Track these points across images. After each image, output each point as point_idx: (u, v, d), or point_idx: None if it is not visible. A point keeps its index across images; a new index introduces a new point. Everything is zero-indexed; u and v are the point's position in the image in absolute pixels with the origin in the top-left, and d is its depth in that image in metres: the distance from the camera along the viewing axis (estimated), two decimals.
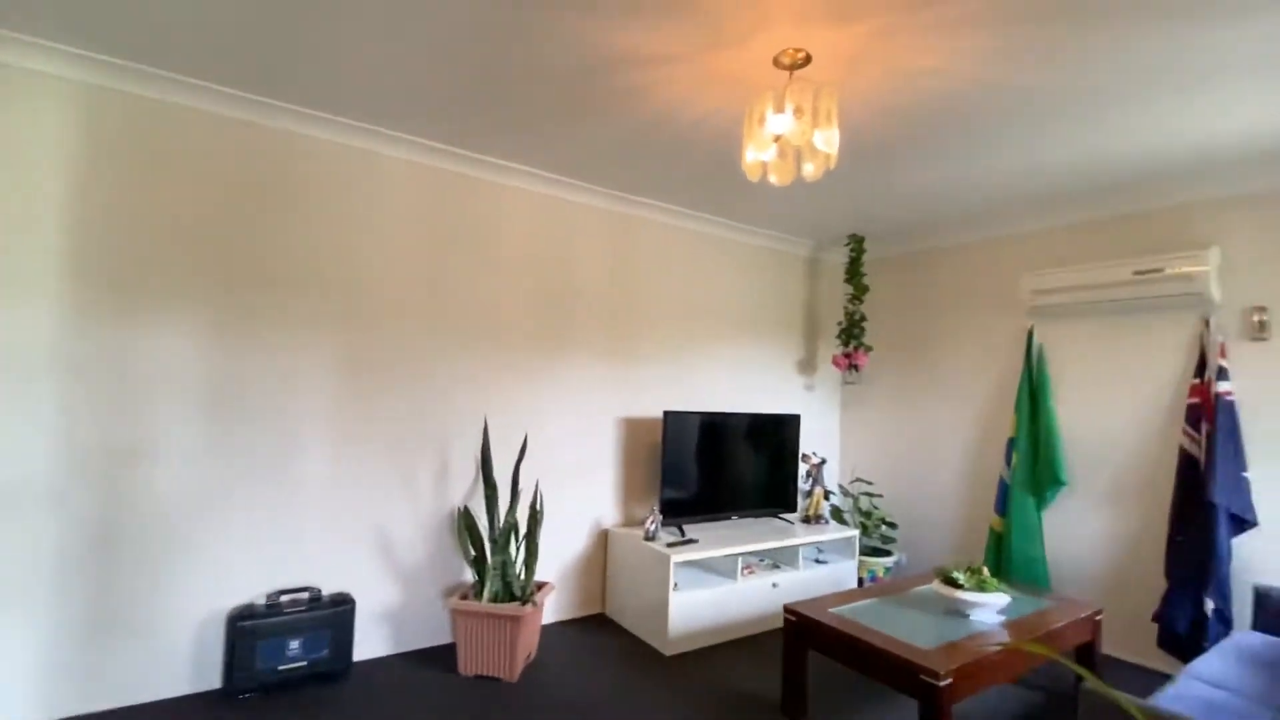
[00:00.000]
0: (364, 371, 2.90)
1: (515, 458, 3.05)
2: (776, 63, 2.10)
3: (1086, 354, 3.53)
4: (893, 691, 2.64)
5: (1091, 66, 2.10)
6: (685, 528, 3.58)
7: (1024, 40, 1.96)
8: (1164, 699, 1.86)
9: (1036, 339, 3.71)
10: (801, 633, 2.53)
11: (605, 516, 3.67)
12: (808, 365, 4.72)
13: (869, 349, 4.32)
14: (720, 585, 3.29)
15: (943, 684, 2.02)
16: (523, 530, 3.02)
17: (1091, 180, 3.15)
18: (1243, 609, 2.85)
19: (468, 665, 2.76)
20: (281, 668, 2.55)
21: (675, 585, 3.13)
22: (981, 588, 2.56)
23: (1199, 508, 2.97)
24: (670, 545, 3.24)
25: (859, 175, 3.20)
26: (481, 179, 3.23)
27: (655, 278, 3.90)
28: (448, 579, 3.10)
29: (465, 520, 2.96)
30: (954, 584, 2.61)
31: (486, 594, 2.79)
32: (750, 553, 3.50)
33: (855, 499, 4.33)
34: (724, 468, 3.83)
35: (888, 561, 4.10)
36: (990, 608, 2.54)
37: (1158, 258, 3.14)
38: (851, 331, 4.33)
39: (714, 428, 3.79)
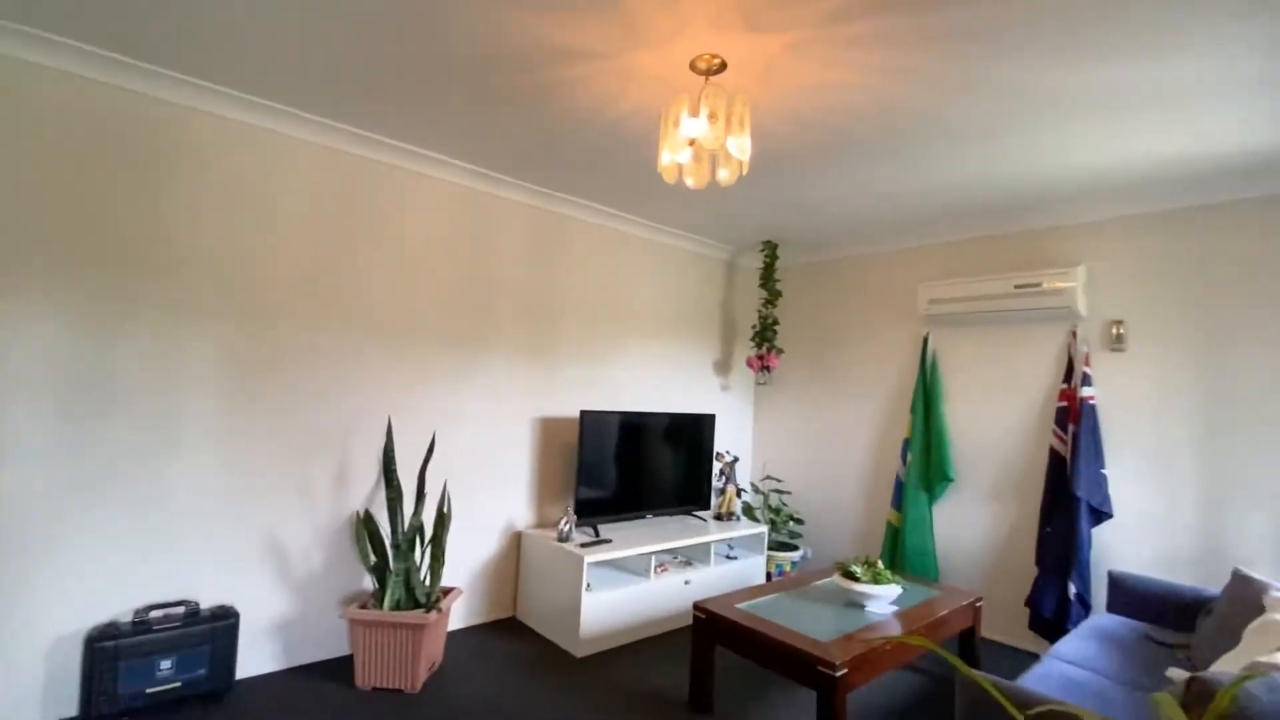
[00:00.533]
0: (255, 366, 2.68)
1: (422, 459, 2.92)
2: (693, 67, 2.12)
3: (973, 360, 3.81)
4: (794, 683, 2.73)
5: (986, 94, 2.26)
6: (600, 528, 3.56)
7: (926, 64, 2.08)
8: (1029, 679, 2.03)
9: (931, 346, 3.97)
10: (709, 629, 2.57)
11: (518, 518, 3.59)
12: (724, 366, 4.82)
13: (781, 351, 4.48)
14: (633, 584, 3.30)
15: (839, 674, 2.11)
16: (429, 534, 2.89)
17: (982, 200, 3.39)
18: (1100, 592, 3.17)
19: (366, 677, 2.62)
20: (150, 690, 2.32)
21: (588, 586, 3.11)
22: (877, 580, 2.70)
23: (1065, 501, 3.27)
24: (584, 546, 3.22)
25: (772, 183, 3.30)
26: (395, 166, 3.07)
27: (577, 276, 3.86)
28: (346, 587, 2.93)
29: (366, 525, 2.80)
30: (852, 577, 2.74)
31: (388, 602, 2.66)
32: (664, 551, 3.54)
33: (766, 496, 4.48)
34: (640, 467, 3.85)
35: (794, 556, 4.26)
36: (884, 599, 2.69)
37: (1035, 273, 3.44)
38: (765, 334, 4.46)
39: (631, 427, 3.80)
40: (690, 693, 2.60)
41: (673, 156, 2.10)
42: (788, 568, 4.23)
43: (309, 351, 2.82)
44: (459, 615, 3.32)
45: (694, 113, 1.97)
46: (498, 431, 3.48)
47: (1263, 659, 1.57)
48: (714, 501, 4.25)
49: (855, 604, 2.74)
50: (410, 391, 3.13)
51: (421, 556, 2.84)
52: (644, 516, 3.85)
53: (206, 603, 2.56)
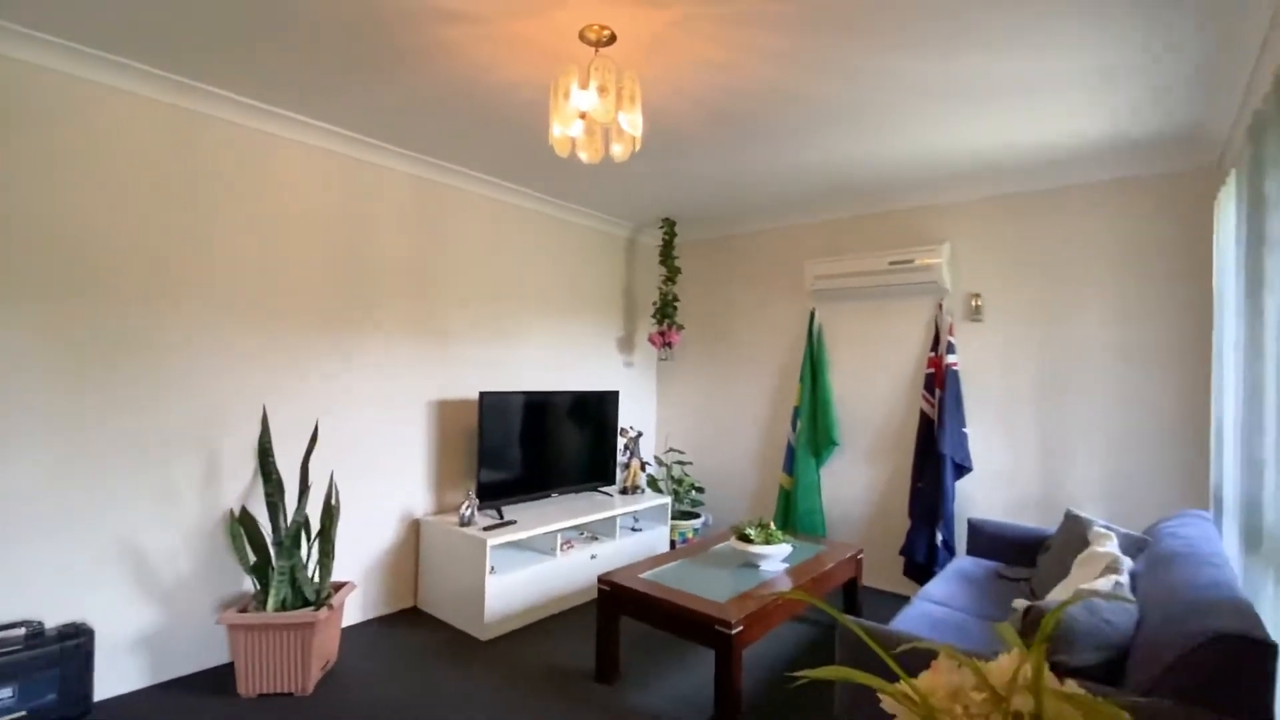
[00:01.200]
0: (94, 352, 2.38)
1: (305, 449, 2.73)
2: (582, 37, 2.08)
3: (854, 332, 4.08)
4: (696, 645, 2.86)
5: (860, 80, 2.38)
6: (505, 509, 3.51)
7: (804, 47, 2.16)
8: (900, 620, 2.24)
9: (817, 319, 4.20)
10: (614, 601, 2.63)
11: (417, 505, 3.46)
12: (627, 343, 4.86)
13: (681, 327, 4.57)
14: (540, 563, 3.30)
15: (734, 632, 2.23)
16: (315, 528, 2.73)
17: (861, 180, 3.61)
18: (963, 538, 3.54)
19: (249, 685, 2.45)
20: None
21: (492, 569, 3.07)
22: (769, 540, 2.86)
23: (933, 459, 3.61)
24: (487, 529, 3.16)
25: (667, 160, 3.33)
26: (259, 130, 2.79)
27: (472, 252, 3.72)
28: (224, 591, 2.71)
29: (242, 523, 2.59)
30: (746, 539, 2.88)
31: (272, 602, 2.49)
32: (569, 528, 3.55)
33: (669, 468, 4.60)
34: (545, 446, 3.82)
35: (696, 523, 4.42)
36: (776, 557, 2.86)
37: (907, 250, 3.72)
38: (665, 311, 4.54)
39: (534, 407, 3.75)
40: (597, 664, 2.65)
41: (564, 129, 2.06)
42: (690, 535, 4.38)
43: (159, 334, 2.54)
44: (355, 610, 3.17)
45: (584, 85, 1.94)
46: (390, 416, 3.32)
47: (1085, 586, 1.82)
48: (619, 476, 4.31)
49: (750, 564, 2.90)
50: (287, 377, 2.91)
51: (309, 552, 2.67)
52: (550, 495, 3.83)
53: (53, 621, 2.28)
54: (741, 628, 2.26)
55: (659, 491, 4.46)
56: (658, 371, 5.13)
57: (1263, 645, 1.32)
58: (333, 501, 2.71)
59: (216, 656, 2.68)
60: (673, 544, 4.26)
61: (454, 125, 2.92)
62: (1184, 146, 2.93)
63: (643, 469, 4.32)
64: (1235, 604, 1.47)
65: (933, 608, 2.38)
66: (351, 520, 3.13)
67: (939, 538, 3.56)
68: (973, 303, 3.63)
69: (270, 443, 2.60)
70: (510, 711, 2.39)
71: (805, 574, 2.81)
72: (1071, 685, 0.92)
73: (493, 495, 3.45)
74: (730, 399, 4.68)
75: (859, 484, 4.04)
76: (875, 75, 2.34)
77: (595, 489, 4.16)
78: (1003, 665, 0.93)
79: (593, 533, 3.84)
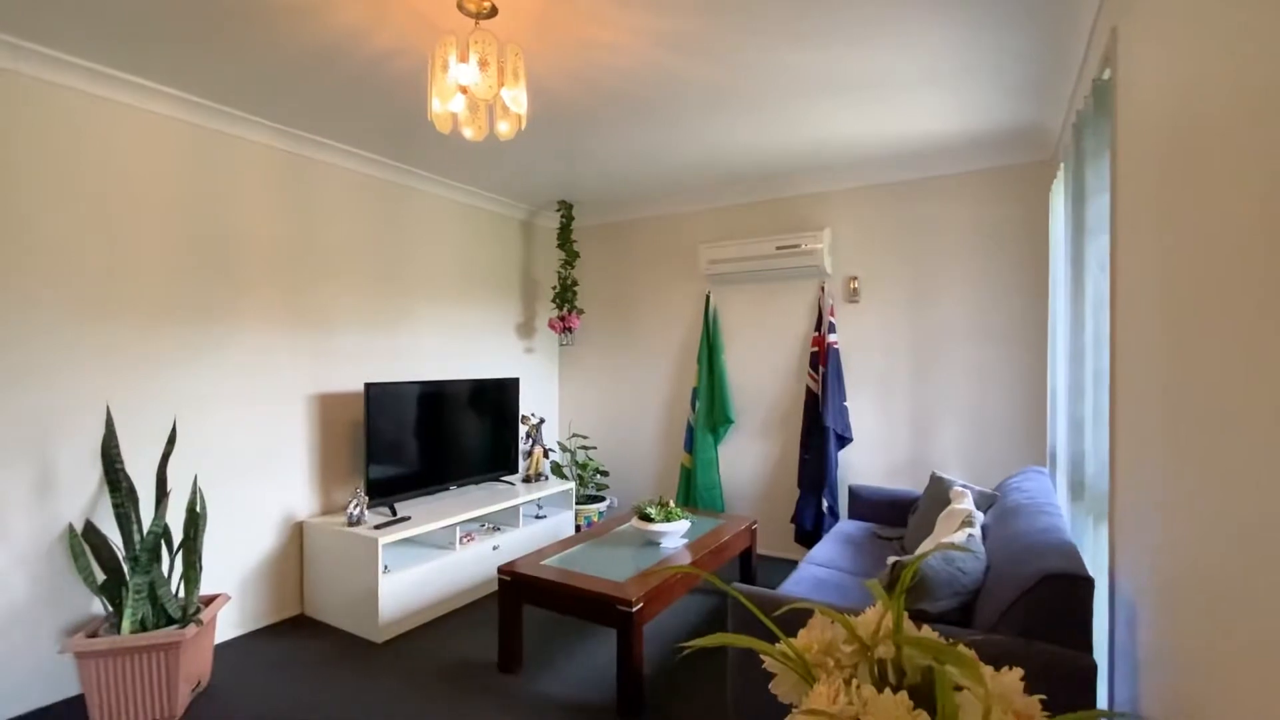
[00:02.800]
0: None
1: (161, 452, 2.46)
2: (461, 8, 1.98)
3: (746, 314, 4.25)
4: (599, 627, 2.90)
5: (744, 67, 2.45)
6: (397, 506, 3.36)
7: (692, 31, 2.18)
8: (787, 584, 2.38)
9: (712, 302, 4.33)
10: (515, 590, 2.60)
11: (299, 507, 3.23)
12: (527, 329, 4.77)
13: (581, 312, 4.55)
14: (438, 558, 3.19)
15: (634, 610, 2.27)
16: (178, 538, 2.48)
17: (748, 167, 3.73)
18: (845, 504, 3.81)
19: (105, 716, 2.20)
20: None
21: (385, 568, 2.94)
22: (669, 518, 2.94)
23: (818, 431, 3.84)
24: (378, 527, 3.01)
25: (559, 140, 3.27)
26: (84, 93, 2.44)
27: (353, 234, 3.47)
28: (68, 616, 2.40)
29: (87, 538, 2.30)
30: (647, 518, 2.94)
31: (127, 624, 2.24)
32: (468, 520, 3.46)
33: (573, 453, 4.59)
34: (440, 438, 3.68)
35: (601, 507, 4.46)
36: (675, 534, 2.95)
37: (793, 235, 3.90)
38: (565, 295, 4.50)
39: (427, 398, 3.60)
40: (500, 654, 2.62)
41: (444, 105, 1.97)
42: (595, 518, 4.41)
43: None
44: (231, 623, 2.92)
45: (463, 58, 1.85)
46: (264, 413, 3.06)
47: (945, 540, 2.01)
48: (522, 464, 4.25)
49: (651, 543, 2.97)
50: (135, 374, 2.60)
51: (171, 565, 2.42)
52: (447, 488, 3.71)
53: None
54: (641, 605, 2.31)
55: (563, 477, 4.45)
56: (559, 357, 5.08)
57: (1083, 580, 1.52)
58: (197, 508, 2.47)
59: (63, 689, 2.38)
60: (578, 529, 4.27)
61: (323, 95, 2.70)
62: (1026, 142, 3.27)
63: (546, 456, 4.28)
64: (1062, 546, 1.69)
65: (817, 570, 2.55)
66: (224, 527, 2.88)
67: (824, 504, 3.81)
68: (851, 285, 3.88)
69: (117, 447, 2.32)
70: (408, 712, 2.31)
71: (703, 548, 2.92)
72: (927, 631, 1.02)
73: (383, 492, 3.29)
74: (632, 382, 4.73)
75: (753, 458, 4.24)
76: (758, 63, 2.42)
77: (497, 479, 4.07)
78: (868, 618, 1.02)
79: (494, 523, 3.77)
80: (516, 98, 1.97)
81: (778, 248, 3.93)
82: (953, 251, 3.58)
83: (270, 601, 3.09)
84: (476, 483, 3.93)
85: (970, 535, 1.92)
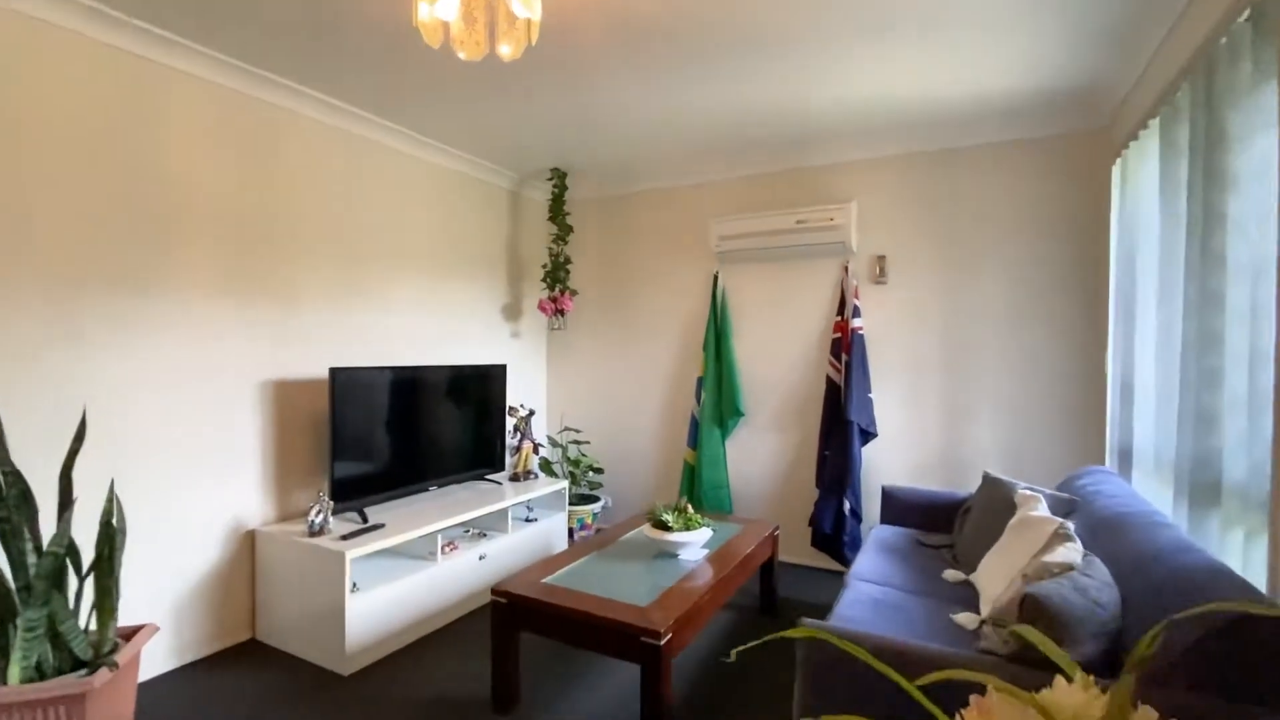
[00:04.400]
0: None
1: (66, 452, 1.96)
2: None
3: (759, 296, 3.86)
4: (609, 663, 2.50)
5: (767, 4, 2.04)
6: (369, 510, 2.89)
7: None
8: (844, 606, 2.02)
9: (721, 283, 3.93)
10: (511, 614, 2.17)
11: (250, 514, 2.75)
12: (514, 311, 4.31)
13: (574, 293, 4.11)
14: (416, 572, 2.74)
15: (664, 641, 1.88)
16: (87, 558, 1.98)
17: (769, 132, 3.33)
18: (871, 505, 3.47)
19: None
20: None
21: (354, 586, 2.48)
22: (688, 526, 2.54)
23: (841, 426, 3.48)
24: (345, 538, 2.55)
25: (559, 91, 2.82)
26: None
27: (315, 195, 2.97)
28: None
29: None
30: (663, 526, 2.54)
31: (16, 671, 1.75)
32: (452, 527, 3.02)
33: (564, 448, 4.16)
34: (418, 432, 3.21)
35: (595, 508, 4.05)
36: (696, 544, 2.55)
37: (816, 209, 3.52)
38: (557, 274, 4.05)
39: (403, 386, 3.13)
40: (493, 690, 2.20)
41: (432, 9, 1.52)
42: (589, 520, 4.00)
43: None
44: (166, 654, 2.44)
45: None
46: (207, 402, 2.57)
47: (1048, 559, 1.66)
48: (509, 461, 3.81)
49: (667, 554, 2.57)
50: (33, 357, 2.09)
51: (79, 593, 1.94)
52: (426, 489, 3.25)
53: None
54: (670, 635, 1.91)
55: (553, 475, 4.02)
56: (548, 342, 4.64)
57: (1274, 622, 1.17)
58: (114, 520, 1.97)
59: None
60: (570, 531, 3.85)
61: (278, 22, 2.21)
62: (1082, 107, 2.93)
63: (535, 451, 3.85)
64: (1223, 573, 1.34)
65: (870, 588, 2.18)
66: (153, 541, 2.39)
67: (846, 506, 3.46)
68: (878, 265, 3.52)
69: (4, 448, 1.82)
70: None
71: (728, 560, 2.53)
72: (1147, 713, 0.69)
73: (352, 494, 2.82)
74: (629, 370, 4.32)
75: (764, 455, 3.87)
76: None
77: (481, 477, 3.62)
78: (1063, 698, 0.70)
79: (480, 529, 3.32)
80: (529, 1, 1.54)
81: (798, 221, 3.55)
82: (990, 227, 3.24)
83: (214, 626, 2.60)
84: (458, 482, 3.47)
85: (1087, 556, 1.56)
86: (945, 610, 2.03)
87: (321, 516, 2.62)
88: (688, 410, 4.07)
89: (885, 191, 3.49)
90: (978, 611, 2.03)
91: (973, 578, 2.24)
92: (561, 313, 4.06)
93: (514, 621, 2.18)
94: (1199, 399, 1.66)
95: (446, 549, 2.96)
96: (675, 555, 2.55)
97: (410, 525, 2.76)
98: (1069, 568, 1.51)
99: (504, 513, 3.28)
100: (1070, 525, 1.84)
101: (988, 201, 3.25)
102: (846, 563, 3.47)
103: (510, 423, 3.82)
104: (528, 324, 4.44)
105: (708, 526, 2.60)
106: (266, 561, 2.68)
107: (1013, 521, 2.16)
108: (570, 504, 3.92)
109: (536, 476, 3.81)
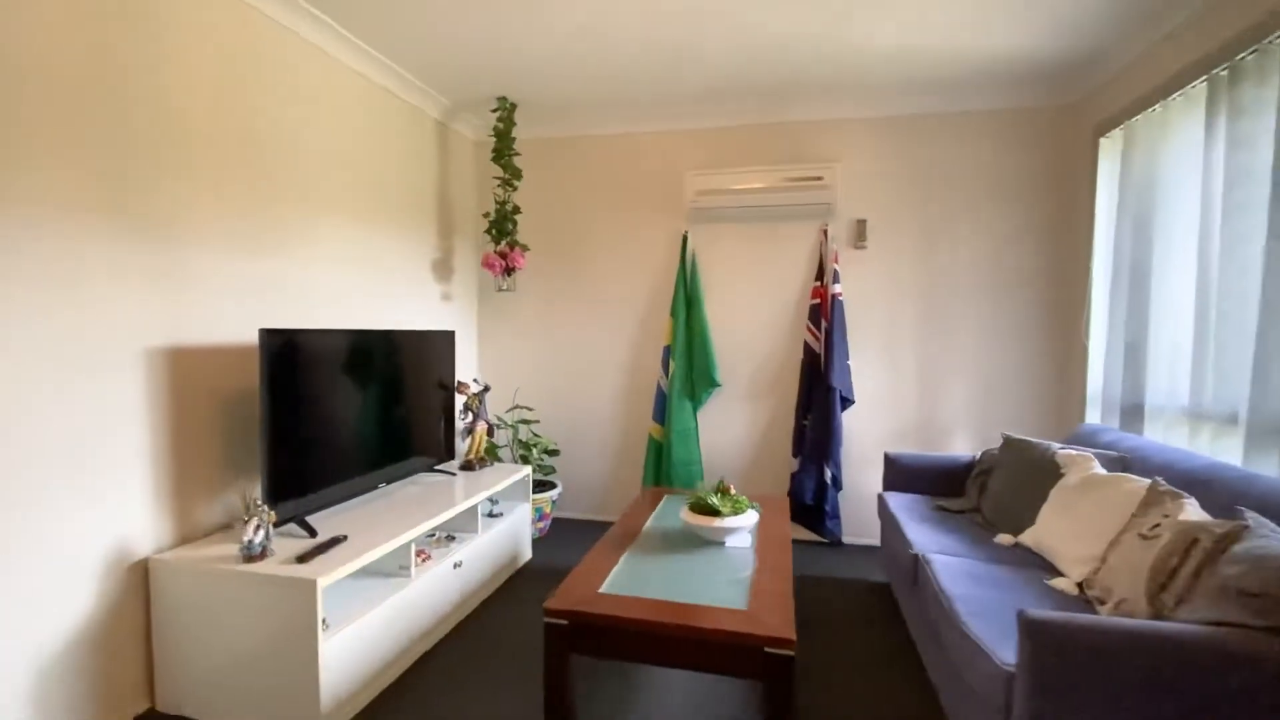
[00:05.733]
0: None
1: None
2: None
3: (733, 259, 3.63)
4: (670, 675, 2.14)
5: None
6: (313, 520, 2.19)
7: None
8: (948, 584, 1.86)
9: (690, 244, 3.63)
10: (573, 636, 1.73)
11: (137, 537, 1.92)
12: (443, 268, 3.62)
13: (525, 248, 3.53)
14: (391, 593, 2.13)
15: (793, 651, 1.57)
16: None
17: (756, 79, 3.08)
18: (850, 472, 3.44)
19: None
20: None
21: (324, 624, 1.84)
22: (737, 509, 2.25)
23: (821, 393, 3.39)
24: (302, 559, 1.88)
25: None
26: None
27: (204, 90, 2.12)
28: None
29: None
30: (712, 511, 2.22)
31: None
32: (426, 533, 2.41)
33: (514, 429, 3.61)
34: (364, 415, 2.51)
35: (553, 495, 3.58)
36: (744, 530, 2.27)
37: (802, 167, 3.35)
38: (503, 226, 3.45)
39: (349, 355, 2.41)
40: None
41: None
42: (547, 509, 3.53)
43: None
44: None
45: None
46: (64, 379, 1.71)
47: (1193, 519, 1.63)
48: (459, 447, 3.19)
49: (713, 542, 2.25)
50: None
51: None
52: (375, 486, 2.57)
53: None
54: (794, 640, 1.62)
55: (496, 460, 3.46)
56: (480, 306, 3.99)
57: None
58: None
59: None
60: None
61: None
62: (1060, 82, 3.06)
63: (490, 434, 3.26)
64: None
65: (951, 560, 2.06)
66: None
67: (828, 474, 3.40)
68: (858, 229, 3.45)
69: None
70: None
71: (778, 543, 2.28)
72: None
73: (289, 500, 2.10)
74: (581, 339, 3.85)
75: (737, 425, 3.68)
76: None
77: (429, 467, 2.98)
78: None
79: (448, 531, 2.72)
80: None
81: (788, 179, 3.35)
82: (969, 196, 3.31)
83: (91, 698, 1.78)
84: (407, 475, 2.81)
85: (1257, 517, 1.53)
86: (1028, 576, 1.97)
87: (262, 533, 1.90)
88: (650, 383, 3.74)
89: (867, 154, 3.41)
90: (1054, 574, 2.00)
91: (1026, 540, 2.23)
92: (510, 271, 3.47)
93: (573, 644, 1.73)
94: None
95: (420, 560, 2.35)
96: (722, 543, 2.25)
97: (376, 535, 2.13)
98: (1239, 532, 1.47)
99: (473, 510, 2.72)
100: (1163, 482, 1.85)
101: (966, 169, 3.30)
102: (825, 535, 3.43)
103: (460, 401, 3.20)
104: (459, 284, 3.77)
105: (754, 509, 2.32)
106: (170, 601, 1.89)
107: (1070, 482, 2.17)
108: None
109: (489, 463, 3.23)
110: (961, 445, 3.39)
